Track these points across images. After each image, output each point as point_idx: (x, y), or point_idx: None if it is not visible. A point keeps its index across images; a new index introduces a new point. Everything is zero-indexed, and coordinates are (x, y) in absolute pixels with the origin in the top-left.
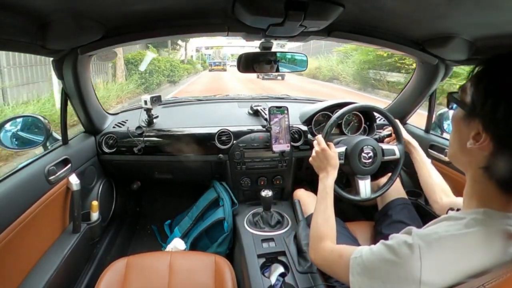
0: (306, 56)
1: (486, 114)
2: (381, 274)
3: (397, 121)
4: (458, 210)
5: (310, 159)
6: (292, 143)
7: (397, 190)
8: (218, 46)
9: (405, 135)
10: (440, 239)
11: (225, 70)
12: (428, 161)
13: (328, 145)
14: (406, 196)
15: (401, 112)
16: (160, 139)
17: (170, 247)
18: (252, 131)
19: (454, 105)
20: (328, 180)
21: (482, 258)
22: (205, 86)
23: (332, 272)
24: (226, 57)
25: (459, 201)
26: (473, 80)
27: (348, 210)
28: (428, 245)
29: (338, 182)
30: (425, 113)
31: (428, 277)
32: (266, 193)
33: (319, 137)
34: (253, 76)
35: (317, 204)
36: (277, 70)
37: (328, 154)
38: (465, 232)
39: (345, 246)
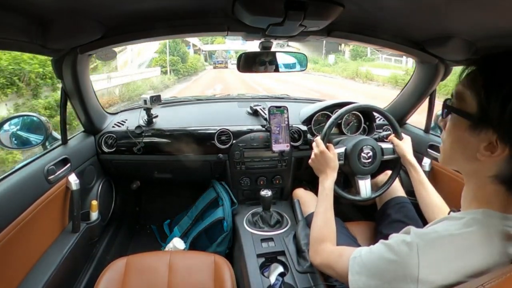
0: (306, 56)
1: (504, 123)
2: (380, 273)
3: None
4: (459, 210)
5: (310, 161)
6: (291, 143)
7: (395, 189)
8: (219, 40)
9: (407, 153)
10: (439, 237)
11: (227, 67)
12: (427, 180)
13: (327, 146)
14: (404, 195)
15: (401, 112)
16: (159, 139)
17: (169, 246)
18: (251, 131)
19: (445, 111)
20: (327, 182)
21: (481, 258)
22: None
23: (332, 272)
24: (228, 56)
25: None
26: (475, 88)
27: (347, 210)
28: (426, 243)
29: (337, 182)
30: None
31: (426, 275)
32: (266, 192)
33: (318, 139)
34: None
35: (317, 206)
36: (277, 70)
37: (327, 156)
38: (463, 231)
39: (344, 247)
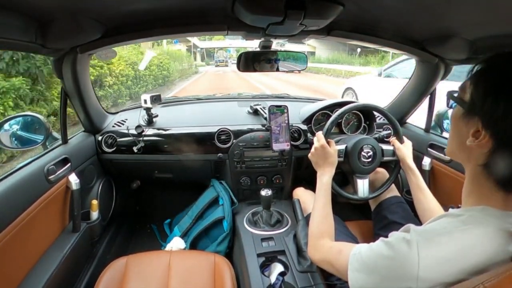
0: (306, 55)
1: (486, 111)
2: (379, 270)
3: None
4: (458, 207)
5: (309, 155)
6: (292, 142)
7: (389, 189)
8: (218, 37)
9: (407, 157)
10: (438, 235)
11: (227, 65)
12: (425, 185)
13: (328, 142)
14: (398, 194)
15: (401, 111)
16: (159, 139)
17: (170, 246)
18: (252, 130)
19: (454, 104)
20: (325, 177)
21: (480, 255)
22: None
23: (331, 268)
24: (228, 56)
25: None
26: (472, 79)
27: (348, 210)
28: (426, 241)
29: (335, 180)
30: None
31: (425, 273)
32: (266, 192)
33: (320, 133)
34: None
35: (315, 202)
36: (277, 69)
37: (327, 151)
38: (462, 229)
39: (344, 243)
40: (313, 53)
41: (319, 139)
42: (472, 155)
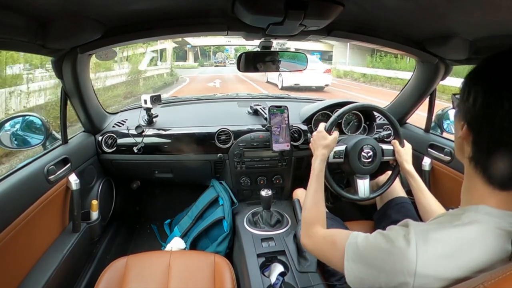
0: (306, 55)
1: (463, 102)
2: (376, 263)
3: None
4: (458, 207)
5: (310, 144)
6: (292, 142)
7: (395, 189)
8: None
9: (406, 161)
10: (436, 232)
11: (225, 65)
12: (425, 187)
13: (330, 133)
14: (405, 195)
15: (401, 111)
16: (159, 139)
17: (170, 246)
18: (252, 131)
19: None
20: (316, 161)
21: (478, 253)
22: None
23: (325, 258)
24: (226, 56)
25: None
26: None
27: (348, 210)
28: (424, 238)
29: (338, 182)
30: None
31: (423, 269)
32: (266, 192)
33: (321, 124)
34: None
35: (308, 188)
36: (277, 69)
37: (323, 134)
38: (460, 227)
39: (337, 231)
40: (329, 53)
41: (319, 128)
42: (464, 149)
